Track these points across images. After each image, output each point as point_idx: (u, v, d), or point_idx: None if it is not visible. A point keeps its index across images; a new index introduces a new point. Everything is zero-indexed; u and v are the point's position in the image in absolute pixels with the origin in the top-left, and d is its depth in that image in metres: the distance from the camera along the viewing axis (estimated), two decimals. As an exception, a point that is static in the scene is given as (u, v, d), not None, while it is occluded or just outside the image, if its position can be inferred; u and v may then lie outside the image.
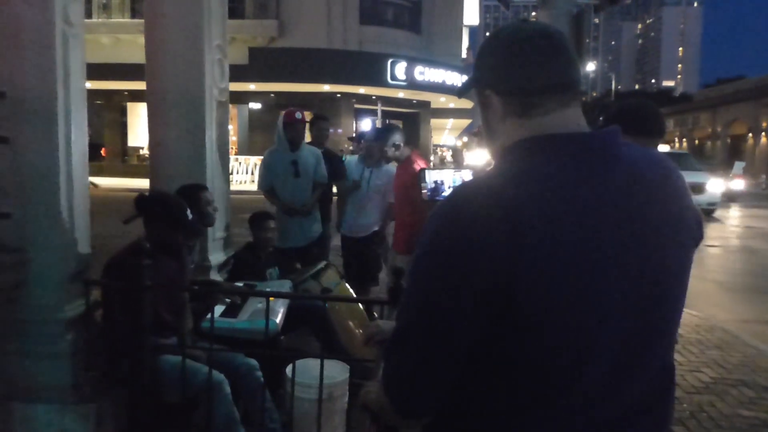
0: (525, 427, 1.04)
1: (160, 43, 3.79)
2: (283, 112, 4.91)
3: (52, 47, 2.56)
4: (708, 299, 6.89)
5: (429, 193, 1.93)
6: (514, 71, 1.08)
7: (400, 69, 22.46)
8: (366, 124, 23.84)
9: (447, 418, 1.11)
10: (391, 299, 2.44)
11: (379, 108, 23.70)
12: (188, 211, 2.97)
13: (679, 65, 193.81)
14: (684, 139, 50.92)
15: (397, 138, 4.64)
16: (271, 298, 3.32)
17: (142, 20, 4.03)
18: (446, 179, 1.89)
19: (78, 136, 2.75)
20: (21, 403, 2.65)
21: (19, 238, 2.64)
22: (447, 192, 1.88)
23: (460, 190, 1.07)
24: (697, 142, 49.38)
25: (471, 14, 33.21)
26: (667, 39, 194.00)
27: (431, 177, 1.89)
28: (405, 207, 4.74)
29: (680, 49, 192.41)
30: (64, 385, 2.66)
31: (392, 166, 5.32)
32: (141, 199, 2.96)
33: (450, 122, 36.24)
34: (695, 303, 6.29)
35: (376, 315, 4.25)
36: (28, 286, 2.64)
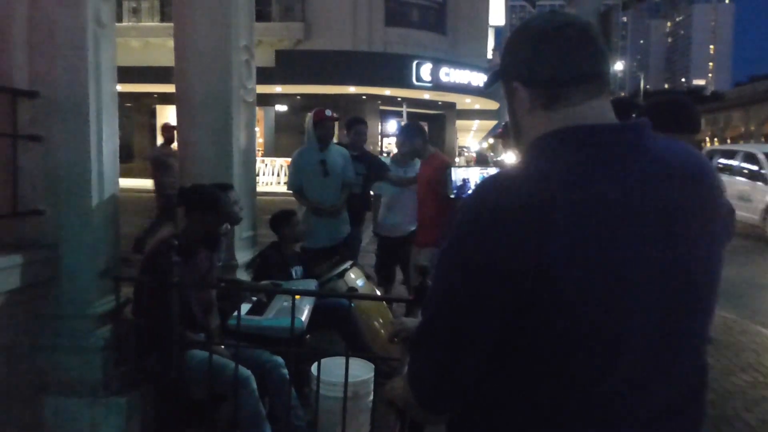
0: (551, 425, 1.02)
1: (188, 45, 3.84)
2: (311, 112, 4.92)
3: (84, 48, 2.61)
4: (742, 300, 6.72)
5: (456, 191, 1.91)
6: (541, 62, 1.07)
7: (426, 70, 22.41)
8: (391, 126, 23.87)
9: (472, 413, 1.10)
10: (415, 298, 2.43)
11: (405, 109, 23.67)
12: (233, 197, 3.07)
13: (710, 63, 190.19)
14: (716, 139, 49.93)
15: (420, 136, 4.68)
16: (296, 297, 3.35)
17: (171, 24, 4.09)
18: (472, 177, 1.88)
19: (109, 136, 2.80)
20: (52, 396, 2.70)
21: (52, 235, 2.70)
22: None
23: (488, 183, 1.06)
24: (729, 141, 48.38)
25: (497, 14, 33.02)
26: (698, 36, 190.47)
27: (457, 175, 1.88)
28: (427, 202, 4.73)
29: (711, 46, 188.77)
30: (94, 379, 2.70)
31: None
32: (181, 190, 3.06)
33: (476, 124, 36.05)
34: (729, 304, 6.14)
35: (391, 317, 4.25)
36: (59, 281, 2.70)
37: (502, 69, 1.16)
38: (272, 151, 23.74)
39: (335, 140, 5.32)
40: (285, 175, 21.92)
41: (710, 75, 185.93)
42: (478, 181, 1.86)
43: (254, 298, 3.42)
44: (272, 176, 21.00)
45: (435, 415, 1.10)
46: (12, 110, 2.57)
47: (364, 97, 23.26)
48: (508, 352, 1.01)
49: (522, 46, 1.10)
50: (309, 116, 4.98)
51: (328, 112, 4.92)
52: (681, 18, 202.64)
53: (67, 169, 2.67)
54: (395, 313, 4.43)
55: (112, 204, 2.86)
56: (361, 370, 3.12)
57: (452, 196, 1.93)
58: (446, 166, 1.90)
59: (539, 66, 1.07)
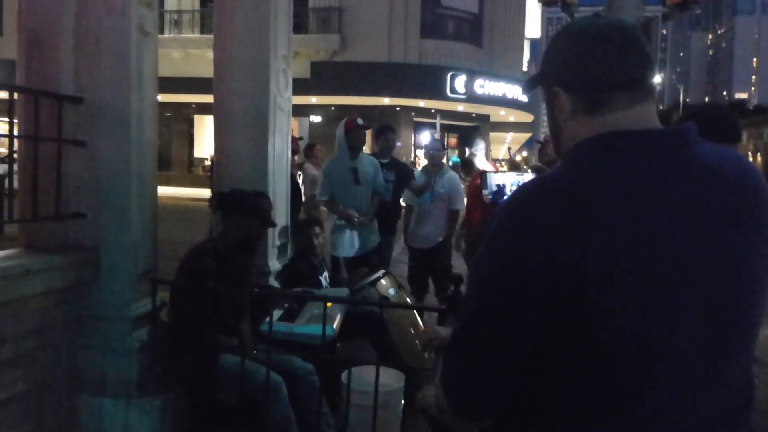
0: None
1: (227, 54, 3.91)
2: (343, 120, 4.95)
3: (128, 55, 2.68)
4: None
5: (491, 196, 1.90)
6: (584, 66, 1.05)
7: (460, 82, 22.41)
8: (425, 137, 23.87)
9: (507, 424, 1.08)
10: (449, 307, 2.41)
11: (438, 121, 23.69)
12: (269, 202, 3.11)
13: (753, 76, 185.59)
14: (758, 153, 48.58)
15: (482, 144, 4.70)
16: (328, 304, 3.36)
17: (212, 35, 4.18)
18: (508, 182, 1.86)
19: (149, 142, 2.87)
20: (89, 395, 2.75)
21: (92, 238, 2.76)
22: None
23: (528, 188, 1.04)
24: (773, 155, 47.02)
25: (533, 27, 32.85)
26: (740, 49, 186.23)
27: (493, 180, 1.87)
28: (473, 213, 4.77)
29: (754, 59, 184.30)
30: (130, 380, 2.75)
31: (454, 174, 5.36)
32: (220, 195, 3.11)
33: (509, 136, 35.81)
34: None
35: (422, 327, 4.24)
36: (99, 283, 2.75)
37: (543, 73, 1.14)
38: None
39: (365, 150, 5.35)
40: (319, 184, 22.16)
41: (753, 88, 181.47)
42: (514, 187, 1.85)
43: (286, 305, 3.44)
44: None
45: (468, 423, 1.09)
46: (58, 115, 2.64)
47: (398, 108, 23.37)
48: (545, 360, 1.00)
49: (564, 49, 1.09)
50: (340, 125, 5.01)
51: (360, 121, 4.95)
52: (723, 30, 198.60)
53: (109, 173, 2.73)
54: (427, 324, 4.41)
55: (151, 209, 2.92)
56: (392, 379, 3.11)
57: (488, 201, 1.92)
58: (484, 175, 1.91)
59: (582, 70, 1.05)
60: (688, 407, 0.99)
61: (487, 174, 1.84)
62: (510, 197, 1.05)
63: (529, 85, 1.23)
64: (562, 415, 1.01)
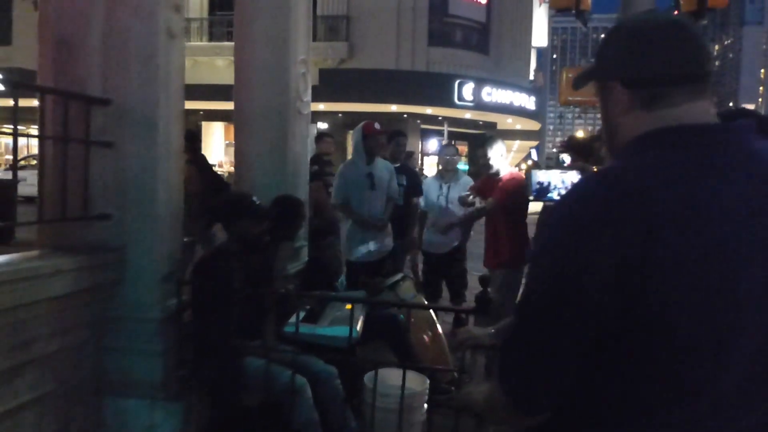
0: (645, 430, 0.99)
1: (248, 60, 3.93)
2: (360, 125, 4.95)
3: (155, 57, 2.70)
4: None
5: (534, 194, 1.90)
6: (643, 61, 1.05)
7: (468, 90, 22.46)
8: (432, 144, 23.93)
9: (562, 419, 1.07)
10: (478, 308, 2.41)
11: (446, 128, 23.72)
12: (254, 198, 3.13)
13: (761, 87, 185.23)
14: None
15: (502, 147, 4.66)
16: (348, 306, 3.36)
17: (219, 43, 4.24)
18: (553, 180, 1.86)
19: (175, 144, 2.88)
20: (114, 396, 2.75)
21: (118, 239, 2.76)
22: (554, 193, 1.86)
23: (587, 182, 1.05)
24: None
25: (540, 36, 32.94)
26: (748, 60, 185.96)
27: (537, 177, 1.87)
28: (493, 221, 4.68)
29: (762, 70, 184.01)
30: (154, 381, 2.74)
31: (469, 179, 5.36)
32: (212, 207, 3.11)
33: (516, 144, 35.81)
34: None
35: (440, 330, 4.23)
36: (124, 284, 2.76)
37: (597, 68, 1.15)
38: (313, 168, 24.01)
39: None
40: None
41: (760, 99, 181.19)
42: (558, 184, 1.85)
43: (307, 307, 3.44)
44: (313, 193, 21.19)
45: (526, 416, 1.08)
46: (86, 117, 2.66)
47: (405, 115, 23.41)
48: (606, 354, 0.99)
49: (621, 44, 1.09)
50: (357, 129, 5.01)
51: (377, 126, 4.95)
52: (730, 41, 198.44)
53: (135, 175, 2.74)
54: (444, 328, 4.41)
55: (176, 210, 2.93)
56: (414, 383, 3.09)
57: (531, 198, 1.92)
58: (518, 181, 1.87)
59: (641, 65, 1.05)
60: (747, 405, 0.98)
61: (532, 171, 1.83)
62: (570, 191, 1.05)
63: (581, 81, 1.23)
64: (619, 409, 1.00)
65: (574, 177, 1.86)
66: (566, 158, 3.94)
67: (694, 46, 1.04)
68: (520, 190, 4.59)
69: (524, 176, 4.84)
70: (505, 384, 1.07)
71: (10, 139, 2.32)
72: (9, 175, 10.48)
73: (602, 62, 1.14)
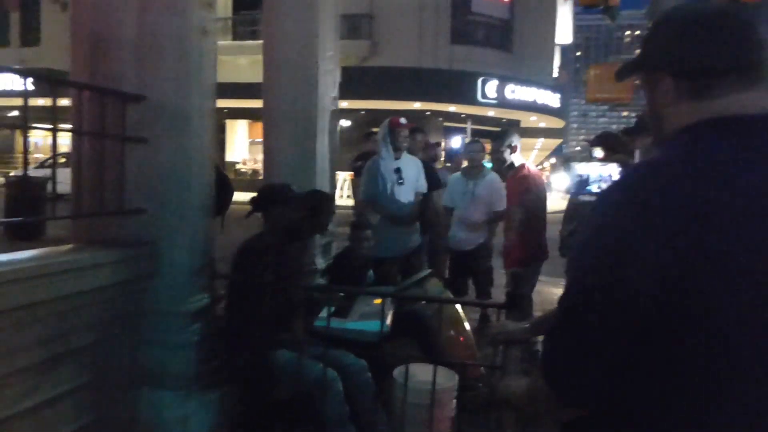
0: (686, 429, 0.99)
1: (277, 56, 3.97)
2: (386, 120, 4.96)
3: (189, 54, 2.73)
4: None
5: (575, 187, 1.89)
6: (691, 51, 1.04)
7: (491, 87, 22.34)
8: (455, 142, 23.82)
9: (604, 413, 1.07)
10: (509, 303, 2.41)
11: (469, 126, 23.62)
12: (292, 186, 3.22)
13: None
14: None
15: (515, 139, 4.69)
16: (378, 301, 3.37)
17: (243, 42, 4.29)
18: (593, 173, 1.84)
19: (206, 139, 2.91)
20: (148, 388, 2.79)
21: (152, 233, 2.81)
22: (593, 186, 1.84)
23: (635, 171, 1.04)
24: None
25: (564, 33, 32.60)
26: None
27: (577, 170, 1.86)
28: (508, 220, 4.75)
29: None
30: (187, 374, 2.78)
31: (495, 176, 5.34)
32: (255, 197, 3.15)
33: (539, 142, 35.53)
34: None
35: (467, 326, 4.24)
36: (158, 277, 2.80)
37: (644, 58, 1.14)
38: (336, 165, 24.10)
39: None
40: (348, 189, 22.21)
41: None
42: (598, 179, 1.84)
43: (336, 302, 3.45)
44: (336, 189, 21.28)
45: (570, 407, 1.08)
46: (121, 113, 2.70)
47: (428, 113, 23.38)
48: (650, 348, 0.99)
49: (671, 34, 1.08)
50: (384, 125, 5.02)
51: (403, 121, 4.95)
52: None
53: (169, 170, 2.78)
54: (471, 324, 4.41)
55: (208, 205, 2.96)
56: (443, 378, 3.09)
57: (568, 193, 1.91)
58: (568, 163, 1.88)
59: (690, 55, 1.04)
60: None
61: (571, 164, 1.82)
62: (618, 182, 1.05)
63: (625, 72, 1.22)
64: (663, 402, 0.99)
65: (613, 170, 1.84)
66: (597, 153, 3.91)
67: (745, 35, 1.02)
68: (534, 188, 4.64)
69: (541, 174, 4.92)
70: (549, 375, 1.07)
71: (38, 138, 2.37)
72: (38, 173, 10.69)
73: (649, 53, 1.13)
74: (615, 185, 1.04)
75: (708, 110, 1.03)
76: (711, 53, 1.02)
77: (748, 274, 0.91)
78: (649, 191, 0.96)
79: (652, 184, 0.97)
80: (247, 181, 24.03)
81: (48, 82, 2.38)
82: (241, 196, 3.82)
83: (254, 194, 3.27)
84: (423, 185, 5.09)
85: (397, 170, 4.90)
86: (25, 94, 2.32)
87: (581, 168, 1.70)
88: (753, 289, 0.91)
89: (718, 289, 0.91)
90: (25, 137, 2.33)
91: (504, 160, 4.80)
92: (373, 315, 3.19)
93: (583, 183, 1.66)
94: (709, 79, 1.03)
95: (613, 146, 3.79)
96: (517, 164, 4.78)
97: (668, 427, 0.99)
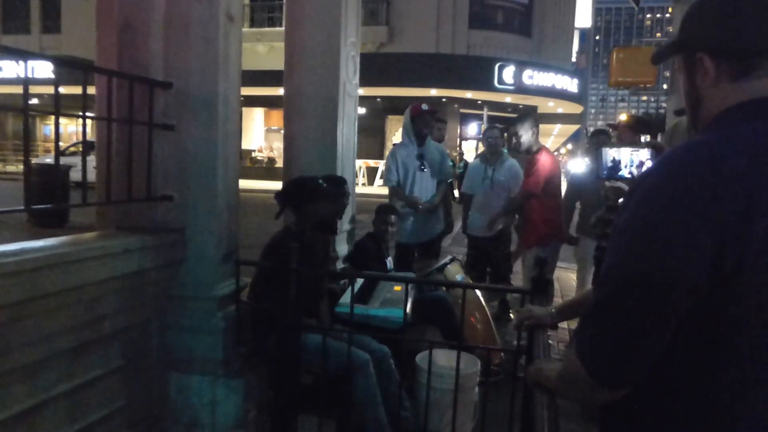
0: (733, 411, 0.98)
1: (299, 43, 3.96)
2: (409, 107, 4.96)
3: (216, 41, 2.74)
4: None
5: (605, 173, 1.87)
6: (732, 31, 1.03)
7: (508, 73, 22.12)
8: (472, 129, 23.70)
9: (643, 396, 1.07)
10: (534, 288, 2.40)
11: (485, 113, 23.45)
12: (320, 180, 3.19)
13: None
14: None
15: (532, 122, 4.74)
16: (397, 288, 3.38)
17: (260, 29, 4.28)
18: (624, 158, 1.83)
19: (233, 125, 2.92)
20: (177, 373, 2.84)
21: (179, 220, 2.84)
22: (625, 171, 1.83)
23: (678, 153, 1.03)
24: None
25: (583, 17, 32.18)
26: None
27: (609, 155, 1.85)
28: (531, 201, 4.79)
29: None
30: (216, 359, 2.82)
31: (514, 161, 5.34)
32: (281, 192, 3.14)
33: (557, 128, 35.19)
34: None
35: (488, 312, 4.26)
36: (186, 264, 2.83)
37: (683, 40, 1.12)
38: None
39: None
40: (364, 176, 22.24)
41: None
42: (630, 164, 1.83)
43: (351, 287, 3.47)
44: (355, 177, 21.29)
45: (609, 390, 1.07)
46: (149, 100, 2.72)
47: (444, 99, 23.24)
48: (693, 332, 0.98)
49: (709, 14, 1.06)
50: (406, 112, 5.02)
51: (425, 107, 4.94)
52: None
53: (196, 157, 2.80)
54: (490, 310, 4.42)
55: (234, 192, 2.98)
56: (465, 363, 3.11)
57: (601, 177, 1.91)
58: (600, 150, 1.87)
59: (731, 36, 1.03)
60: None
61: (603, 150, 1.81)
62: (661, 164, 1.04)
63: (664, 54, 1.21)
64: (704, 387, 0.99)
65: (644, 155, 1.83)
66: (625, 137, 3.91)
67: None
68: (554, 171, 4.76)
69: (556, 158, 5.00)
70: (589, 360, 1.06)
71: (54, 127, 2.38)
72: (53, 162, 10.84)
73: (689, 33, 1.11)
74: (660, 167, 1.03)
75: (749, 92, 1.02)
76: (753, 33, 1.01)
77: None
78: (695, 175, 0.95)
79: (698, 167, 0.95)
80: (263, 169, 24.13)
81: (79, 68, 2.39)
82: (257, 184, 3.83)
83: (280, 188, 3.25)
84: (448, 172, 5.08)
85: (420, 157, 4.90)
86: (56, 82, 2.34)
87: (613, 153, 1.68)
88: None
89: (765, 273, 0.91)
90: (57, 125, 2.35)
91: (521, 144, 4.86)
92: (394, 302, 3.20)
93: (614, 168, 1.64)
94: (750, 59, 1.02)
95: (641, 129, 3.79)
96: (535, 148, 4.85)
97: (710, 409, 0.99)
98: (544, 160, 4.86)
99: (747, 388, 0.97)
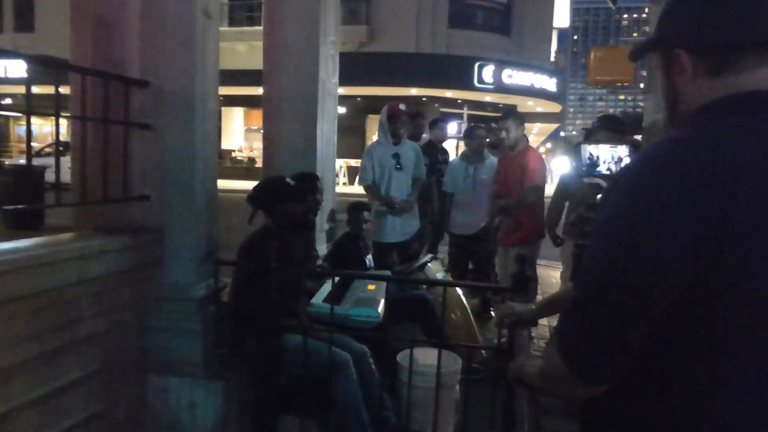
0: (711, 406, 0.99)
1: (278, 40, 3.94)
2: (385, 106, 4.95)
3: (193, 38, 2.71)
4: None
5: (585, 169, 1.88)
6: (710, 27, 1.03)
7: (488, 72, 22.22)
8: (451, 128, 23.74)
9: (624, 391, 1.07)
10: (515, 286, 2.41)
11: (465, 112, 23.53)
12: (287, 179, 3.14)
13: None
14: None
15: (522, 119, 4.75)
16: (371, 287, 3.37)
17: (240, 28, 4.25)
18: (603, 154, 1.84)
19: (211, 124, 2.89)
20: (156, 375, 2.80)
21: (157, 220, 2.80)
22: (603, 168, 1.84)
23: (658, 147, 1.03)
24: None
25: (561, 16, 32.39)
26: None
27: (587, 152, 1.85)
28: (513, 192, 4.79)
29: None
30: (195, 360, 2.79)
31: (495, 159, 5.35)
32: (251, 195, 3.09)
33: (536, 127, 35.43)
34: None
35: (469, 309, 4.27)
36: (164, 264, 2.80)
37: (661, 36, 1.12)
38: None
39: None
40: (344, 175, 22.18)
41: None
42: (609, 160, 1.84)
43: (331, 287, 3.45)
44: (335, 177, 21.22)
45: (589, 385, 1.08)
46: (125, 99, 2.68)
47: (424, 99, 23.28)
48: (676, 324, 0.99)
49: (689, 11, 1.07)
50: (383, 111, 5.01)
51: (402, 106, 4.94)
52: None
53: (174, 155, 2.77)
54: (471, 308, 4.43)
55: (213, 191, 2.96)
56: (447, 361, 3.11)
57: (580, 174, 1.92)
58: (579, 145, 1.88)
59: (710, 31, 1.03)
60: None
61: (582, 146, 1.82)
62: (636, 160, 1.04)
63: (642, 51, 1.21)
64: (688, 379, 0.99)
65: (623, 151, 1.84)
66: (602, 135, 3.94)
67: (764, 10, 1.02)
68: (543, 169, 4.79)
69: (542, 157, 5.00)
70: (568, 353, 1.06)
71: (33, 127, 2.33)
72: (35, 162, 10.67)
73: (666, 30, 1.11)
74: (640, 163, 1.03)
75: (727, 87, 1.02)
76: (729, 28, 1.02)
77: None
78: (676, 169, 0.95)
79: (679, 161, 0.96)
80: (243, 169, 23.96)
81: (51, 67, 2.34)
82: (237, 184, 3.79)
83: (251, 192, 3.18)
84: (423, 171, 5.08)
85: (396, 156, 4.89)
86: (28, 81, 2.29)
87: (592, 150, 1.69)
88: None
89: (748, 264, 0.91)
90: (28, 124, 2.30)
91: (510, 139, 4.85)
92: (367, 301, 3.19)
93: (593, 165, 1.65)
94: (727, 54, 1.02)
95: (620, 128, 3.81)
96: (521, 145, 4.85)
97: (691, 402, 1.00)
98: (535, 156, 4.87)
99: (725, 383, 0.98)
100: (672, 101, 1.13)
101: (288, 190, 3.04)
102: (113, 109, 2.66)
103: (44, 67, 2.49)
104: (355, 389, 2.77)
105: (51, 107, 2.36)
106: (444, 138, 6.26)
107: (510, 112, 5.25)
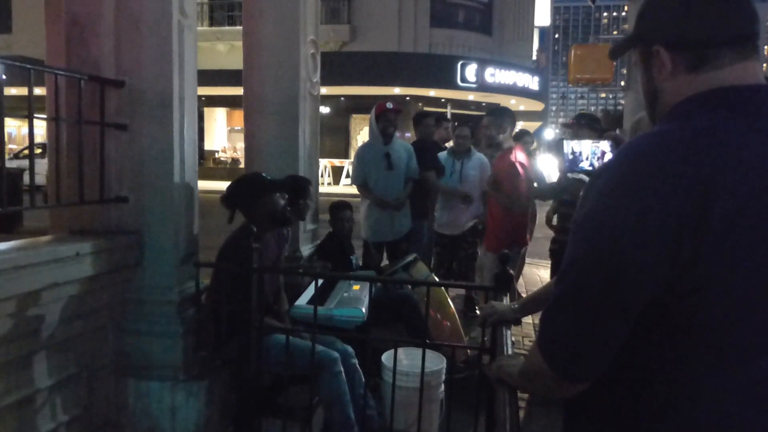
0: (691, 404, 0.99)
1: (258, 39, 3.89)
2: (374, 107, 4.93)
3: (169, 37, 2.67)
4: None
5: (567, 165, 1.88)
6: (687, 23, 1.04)
7: (471, 71, 22.30)
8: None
9: (605, 388, 1.06)
10: (498, 286, 2.40)
11: (449, 110, 23.59)
12: (263, 174, 3.09)
13: (765, 64, 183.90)
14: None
15: (510, 120, 4.72)
16: (355, 287, 3.35)
17: (220, 28, 4.19)
18: (585, 150, 1.84)
19: (190, 124, 2.85)
20: (135, 379, 2.76)
21: (135, 221, 2.76)
22: (585, 163, 1.84)
23: (637, 143, 1.03)
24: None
25: (542, 15, 32.61)
26: None
27: (569, 147, 1.85)
28: (497, 204, 4.76)
29: (765, 47, 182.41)
30: (175, 363, 2.75)
31: (482, 155, 5.34)
32: (225, 196, 3.02)
33: (519, 125, 35.62)
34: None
35: (453, 309, 4.26)
36: (143, 267, 2.76)
37: (639, 33, 1.12)
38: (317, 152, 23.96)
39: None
40: (329, 175, 22.12)
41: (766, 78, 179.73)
42: (591, 156, 1.83)
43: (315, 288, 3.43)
44: (318, 177, 21.16)
45: (570, 385, 1.07)
46: (100, 99, 2.64)
47: (408, 98, 23.29)
48: (656, 321, 0.98)
49: (666, 7, 1.07)
50: (372, 111, 5.00)
51: (389, 105, 4.92)
52: None
53: (151, 157, 2.73)
54: (456, 308, 4.43)
55: (192, 192, 2.91)
56: (431, 361, 3.10)
57: (562, 170, 1.92)
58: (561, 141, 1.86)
59: (688, 27, 1.04)
60: None
61: (564, 142, 1.82)
62: (616, 155, 1.04)
63: (621, 48, 1.21)
64: (668, 376, 0.99)
65: (605, 146, 1.84)
66: (582, 133, 3.95)
67: (741, 6, 1.02)
68: (524, 174, 4.73)
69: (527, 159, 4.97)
70: (549, 352, 1.06)
71: (11, 129, 2.28)
72: (12, 164, 10.50)
73: (644, 27, 1.11)
74: (618, 159, 1.03)
75: (706, 83, 1.02)
76: (707, 24, 1.02)
77: (752, 242, 0.91)
78: (654, 164, 0.95)
79: (657, 156, 0.96)
80: (226, 170, 23.79)
81: (23, 68, 2.30)
82: (221, 185, 3.75)
83: (225, 192, 3.05)
84: (414, 170, 5.06)
85: (386, 155, 4.87)
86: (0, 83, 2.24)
87: (574, 145, 1.69)
88: (759, 257, 0.91)
89: (725, 258, 0.91)
90: (1, 127, 2.25)
91: (493, 138, 4.83)
92: (351, 301, 3.17)
93: (575, 161, 1.65)
94: (706, 51, 1.02)
95: (599, 125, 3.84)
96: (506, 146, 4.81)
97: (671, 399, 0.99)
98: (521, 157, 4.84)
99: (705, 381, 0.98)
100: (652, 98, 1.14)
101: (264, 184, 3.00)
102: (89, 110, 2.61)
103: (16, 68, 2.44)
104: (343, 387, 2.75)
105: (26, 109, 2.32)
106: (448, 138, 6.19)
107: (503, 109, 5.22)
